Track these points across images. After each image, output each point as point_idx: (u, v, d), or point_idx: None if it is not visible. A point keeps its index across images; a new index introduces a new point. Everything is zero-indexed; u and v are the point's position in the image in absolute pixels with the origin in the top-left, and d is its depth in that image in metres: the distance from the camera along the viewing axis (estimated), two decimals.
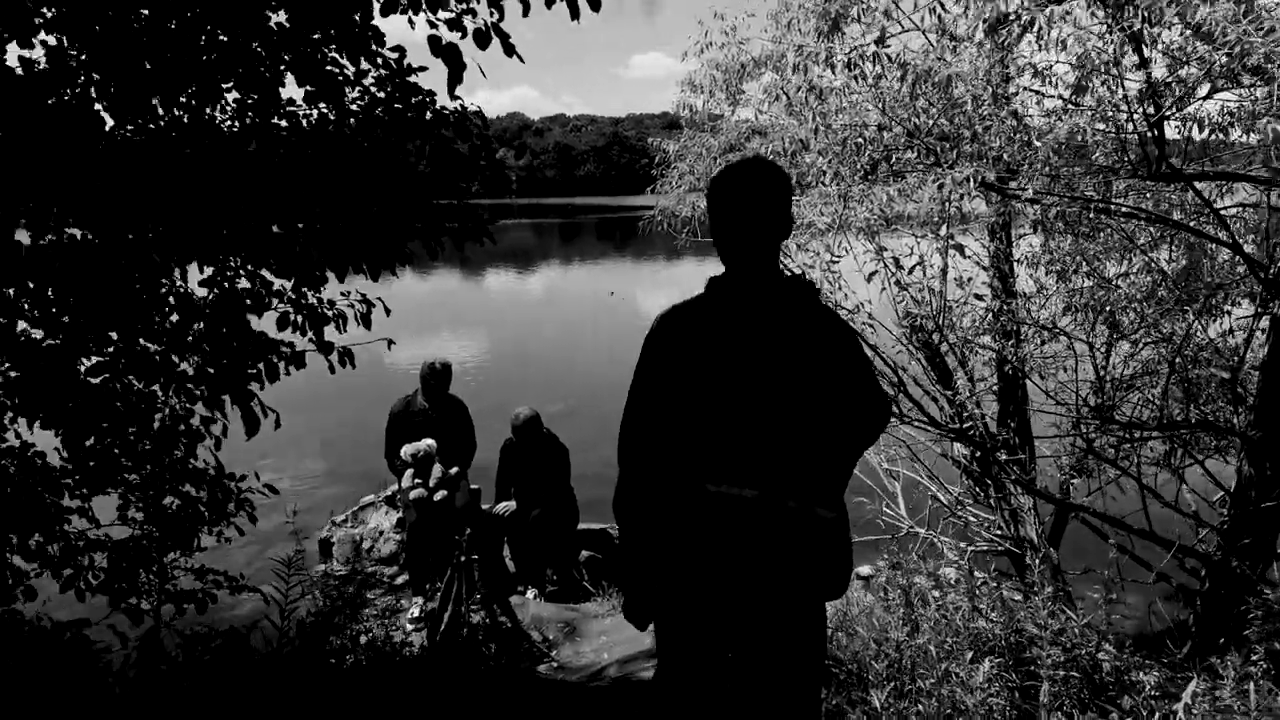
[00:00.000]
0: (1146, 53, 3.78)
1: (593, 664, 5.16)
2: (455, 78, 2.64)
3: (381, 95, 2.81)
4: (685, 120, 6.50)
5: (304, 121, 2.93)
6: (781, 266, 2.24)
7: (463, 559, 5.14)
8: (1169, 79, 3.53)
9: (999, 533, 5.75)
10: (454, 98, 2.77)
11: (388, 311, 3.04)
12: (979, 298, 5.86)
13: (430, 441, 6.31)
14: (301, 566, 4.15)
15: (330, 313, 2.89)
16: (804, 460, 2.14)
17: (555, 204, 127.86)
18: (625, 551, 2.30)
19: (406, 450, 6.24)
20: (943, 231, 5.48)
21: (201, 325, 2.64)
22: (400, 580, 6.69)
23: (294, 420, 13.35)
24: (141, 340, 2.53)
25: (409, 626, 5.96)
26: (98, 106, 2.43)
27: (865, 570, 7.51)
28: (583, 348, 18.80)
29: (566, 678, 4.96)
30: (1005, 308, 5.67)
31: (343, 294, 2.91)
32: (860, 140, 3.70)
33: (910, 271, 5.61)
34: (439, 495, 6.21)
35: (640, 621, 2.32)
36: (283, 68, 2.76)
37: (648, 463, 2.17)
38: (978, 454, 5.66)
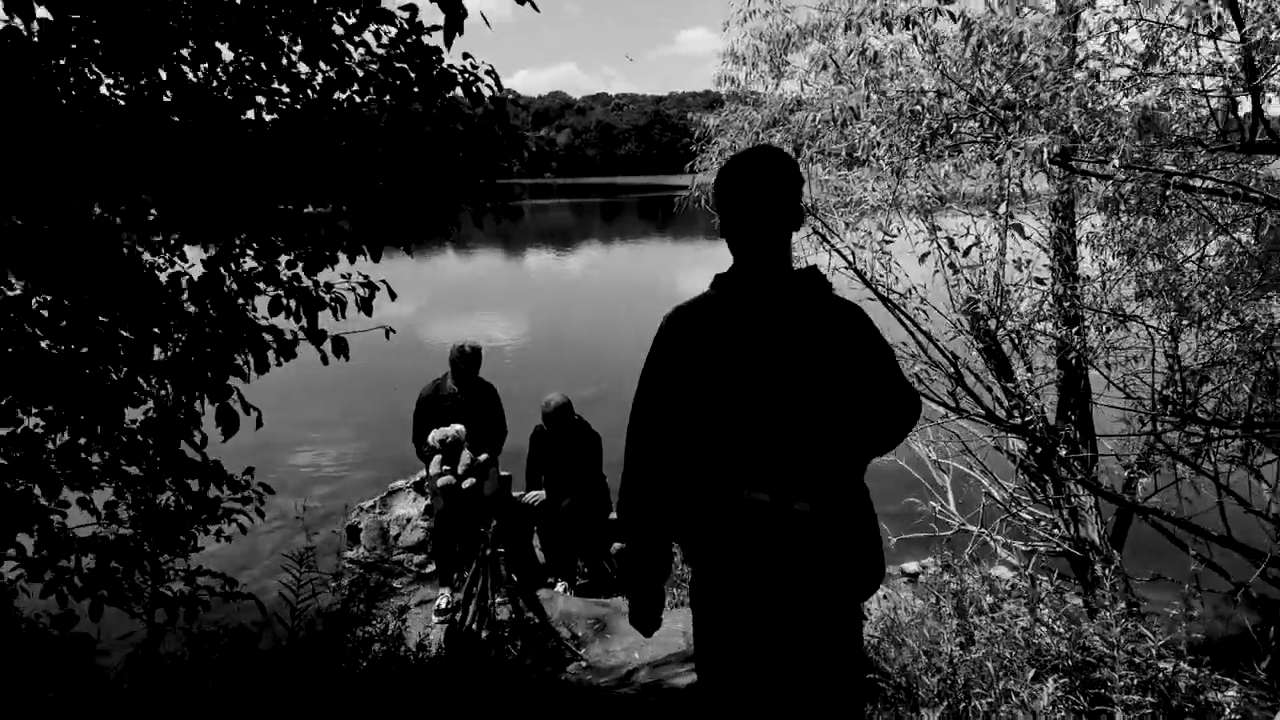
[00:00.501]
0: (1241, 11, 3.38)
1: (623, 665, 4.92)
2: (453, 23, 2.35)
3: (384, 54, 2.54)
4: (726, 94, 6.17)
5: (309, 90, 2.68)
6: (798, 257, 2.11)
7: (488, 552, 4.91)
8: (1270, 37, 3.14)
9: (1057, 533, 5.38)
10: (450, 45, 2.48)
11: (393, 295, 2.78)
12: (1039, 281, 5.47)
13: (459, 427, 6.10)
14: (313, 563, 3.94)
15: (328, 296, 2.63)
16: (820, 460, 2.07)
17: (596, 183, 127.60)
18: (631, 556, 2.19)
19: (434, 436, 6.03)
20: (1001, 210, 5.11)
21: (188, 307, 2.40)
22: (429, 569, 6.50)
23: (329, 402, 13.30)
24: (109, 322, 2.30)
25: (435, 619, 5.78)
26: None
27: (911, 567, 7.18)
28: (618, 331, 18.54)
29: (594, 680, 4.73)
30: (1069, 292, 5.28)
31: (343, 276, 2.66)
32: (917, 107, 3.36)
33: (966, 253, 5.25)
34: (467, 483, 6.00)
35: (646, 628, 2.24)
36: (283, 30, 2.51)
37: (656, 466, 2.10)
38: (1036, 449, 5.30)
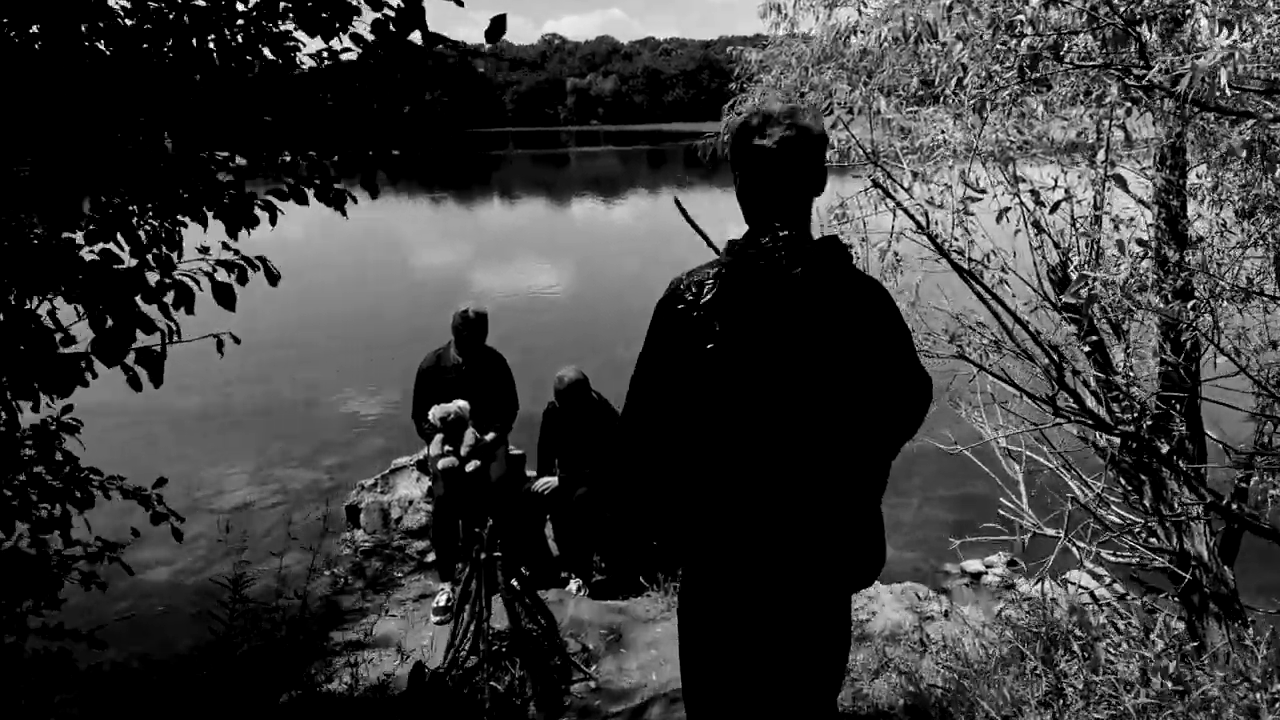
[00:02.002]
0: None
1: (637, 687, 4.26)
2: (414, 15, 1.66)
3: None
4: (771, 25, 5.29)
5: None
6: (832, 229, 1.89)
7: (483, 556, 4.25)
8: None
9: (1154, 543, 4.56)
10: None
11: (274, 279, 2.05)
12: (1142, 244, 4.55)
13: (462, 403, 5.43)
14: (243, 595, 3.30)
15: (170, 279, 1.89)
16: (835, 448, 1.98)
17: (644, 130, 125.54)
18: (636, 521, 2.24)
19: (435, 413, 5.37)
20: (1099, 158, 4.20)
21: None
22: (431, 557, 5.89)
23: (352, 363, 12.50)
24: None
25: (434, 619, 5.17)
26: None
27: (973, 566, 6.38)
28: (660, 285, 17.68)
29: (604, 708, 4.07)
30: (1181, 258, 4.37)
31: (200, 250, 1.93)
32: (1019, 17, 2.52)
33: (1053, 209, 4.36)
34: (471, 466, 5.35)
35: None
36: None
37: (654, 450, 2.02)
38: (1132, 444, 4.45)
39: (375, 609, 5.43)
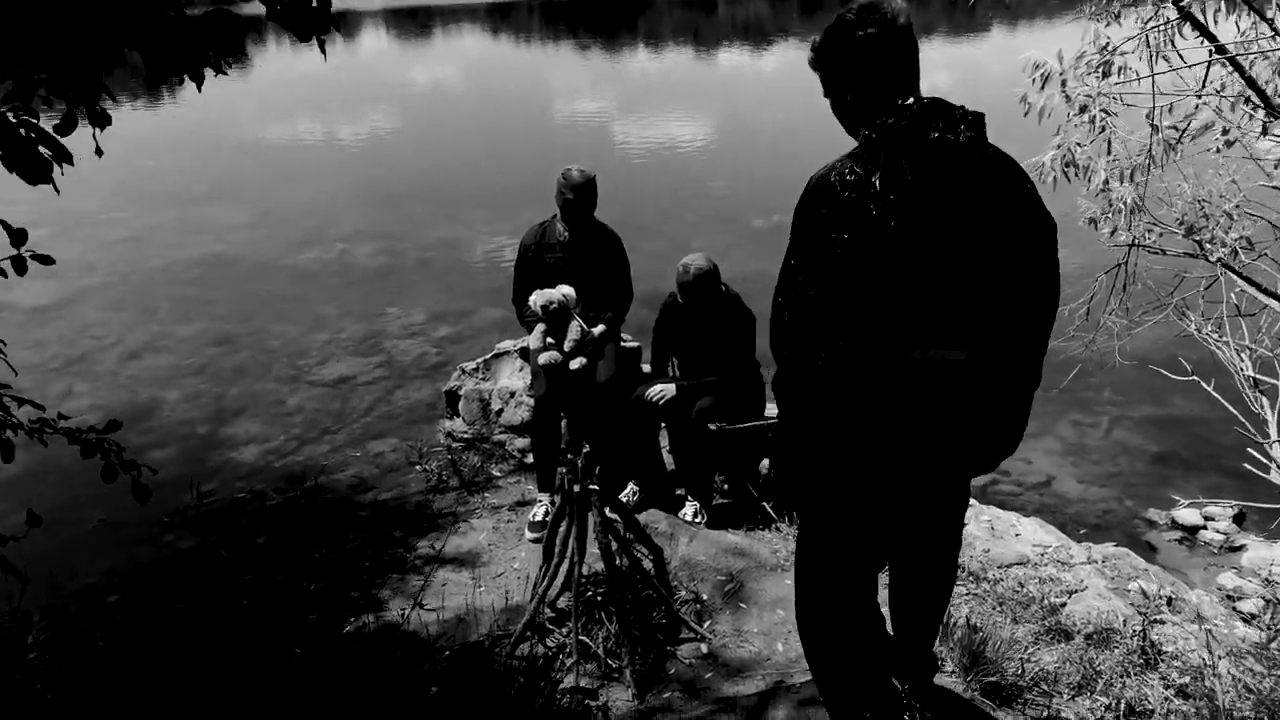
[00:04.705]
0: None
1: (758, 659, 3.46)
2: None
3: None
4: None
5: None
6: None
7: (575, 488, 3.46)
8: None
9: None
10: None
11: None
12: None
13: (568, 289, 4.58)
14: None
15: None
16: (1003, 320, 2.01)
17: None
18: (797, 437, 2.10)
19: (536, 299, 4.55)
20: None
21: None
22: (531, 458, 5.19)
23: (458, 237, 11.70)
24: None
25: (529, 534, 4.51)
26: None
27: (1189, 517, 5.15)
28: (811, 148, 16.05)
29: (714, 684, 3.30)
30: None
31: None
32: None
33: None
34: (576, 363, 4.53)
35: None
36: None
37: (834, 334, 1.94)
38: None
39: (467, 514, 4.82)
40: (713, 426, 4.33)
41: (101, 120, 1.89)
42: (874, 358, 1.95)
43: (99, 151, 2.05)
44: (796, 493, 2.21)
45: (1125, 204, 3.80)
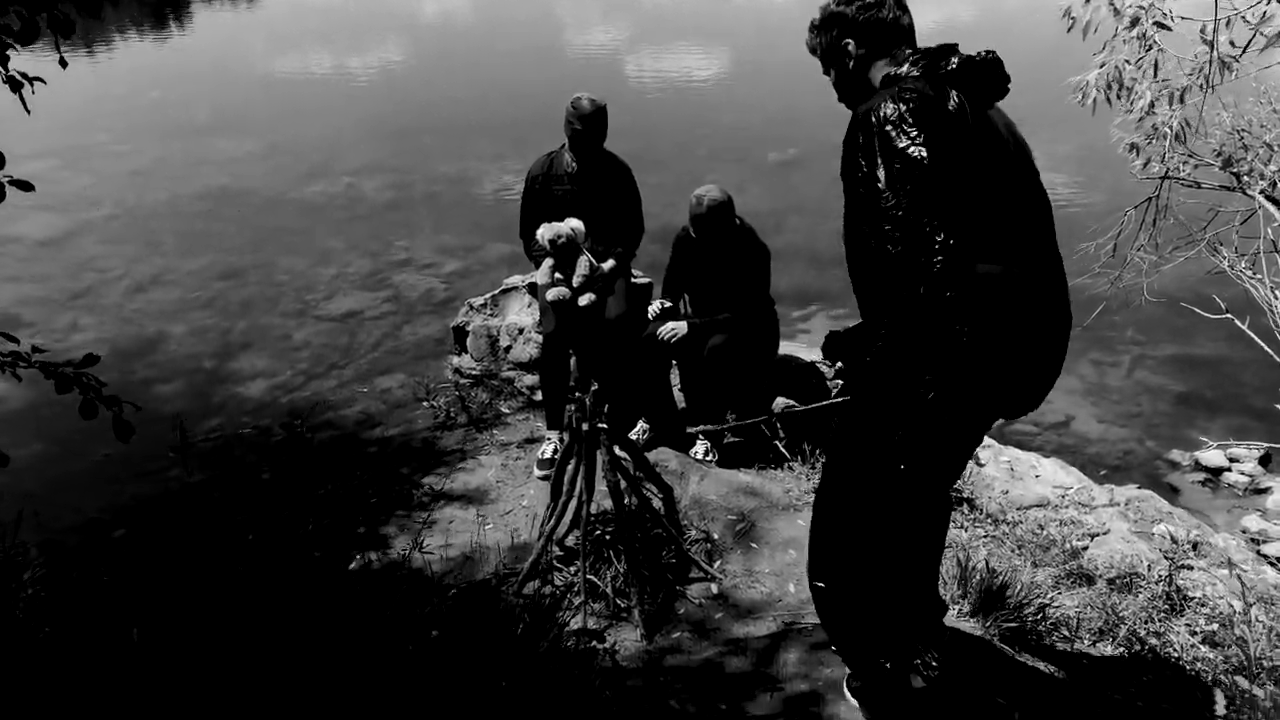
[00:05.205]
0: None
1: (769, 601, 3.40)
2: None
3: None
4: None
5: None
6: None
7: (584, 426, 3.35)
8: None
9: None
10: None
11: None
12: None
13: (576, 223, 4.41)
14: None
15: None
16: (1039, 235, 2.12)
17: None
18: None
19: (544, 233, 4.39)
20: None
21: None
22: (540, 395, 5.09)
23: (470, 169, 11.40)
24: None
25: (537, 471, 4.44)
26: None
27: (1213, 458, 5.02)
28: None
29: (724, 625, 3.24)
30: None
31: None
32: None
33: None
34: (585, 299, 4.40)
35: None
36: None
37: (955, 253, 1.87)
38: None
39: (475, 451, 4.75)
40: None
41: (64, 27, 1.75)
42: (972, 274, 1.94)
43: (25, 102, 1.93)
44: (883, 431, 2.08)
45: (1171, 129, 3.58)
